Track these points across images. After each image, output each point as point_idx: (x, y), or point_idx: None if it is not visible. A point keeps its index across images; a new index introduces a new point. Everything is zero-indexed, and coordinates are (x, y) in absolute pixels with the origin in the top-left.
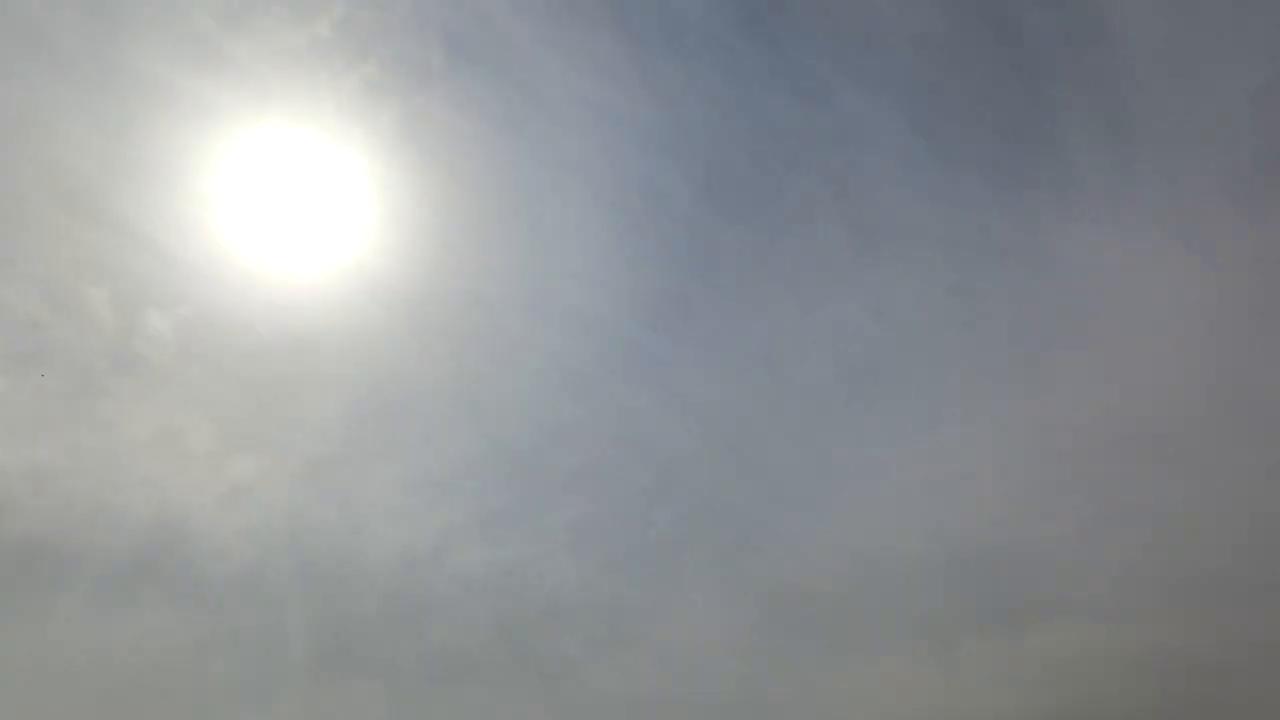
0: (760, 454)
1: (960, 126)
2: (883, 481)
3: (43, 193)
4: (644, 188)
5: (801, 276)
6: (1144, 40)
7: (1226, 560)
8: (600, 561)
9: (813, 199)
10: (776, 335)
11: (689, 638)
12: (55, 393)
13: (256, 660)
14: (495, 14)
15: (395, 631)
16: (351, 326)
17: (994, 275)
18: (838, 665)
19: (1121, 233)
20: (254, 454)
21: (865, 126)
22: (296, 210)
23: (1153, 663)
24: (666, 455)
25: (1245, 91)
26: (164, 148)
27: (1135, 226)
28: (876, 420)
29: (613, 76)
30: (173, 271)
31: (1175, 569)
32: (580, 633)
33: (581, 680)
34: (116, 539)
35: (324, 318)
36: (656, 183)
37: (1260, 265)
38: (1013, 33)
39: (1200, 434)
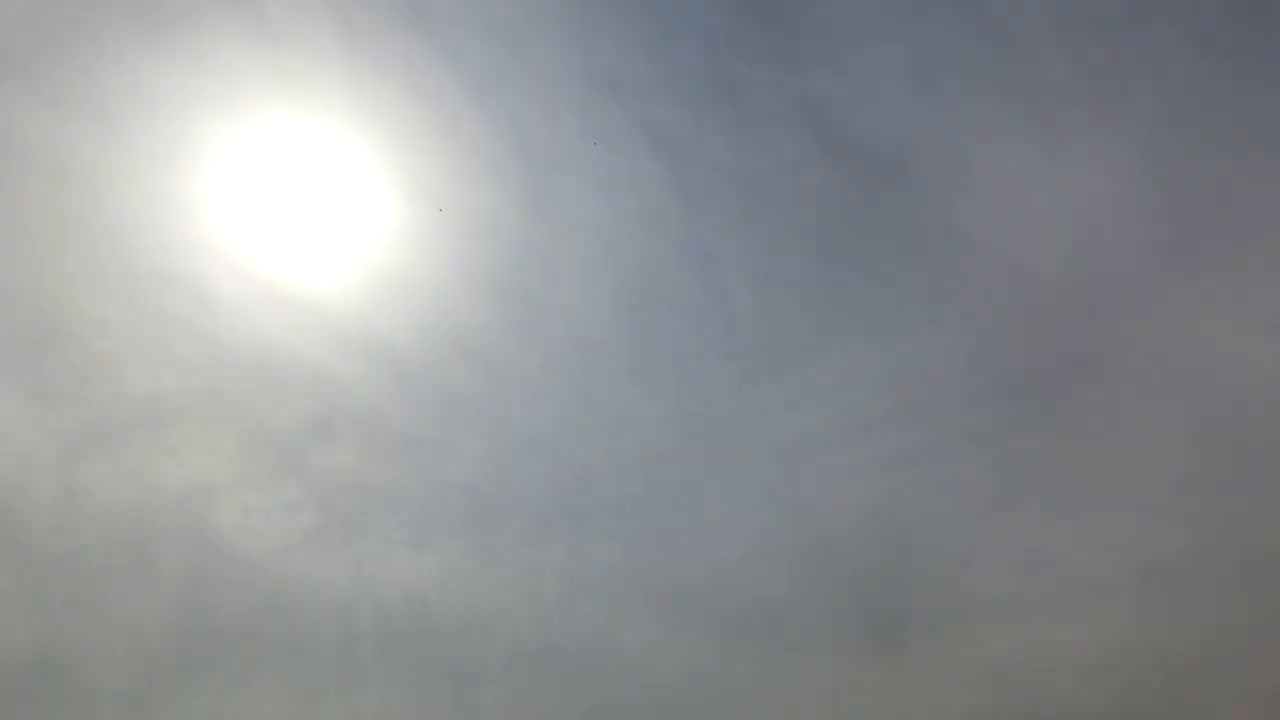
0: (533, 395)
1: None
2: (728, 446)
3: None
4: None
5: (496, 151)
6: None
7: (1187, 553)
8: (405, 536)
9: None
10: (507, 251)
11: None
12: None
13: None
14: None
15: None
16: None
17: (763, 144)
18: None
19: (939, 113)
20: None
21: None
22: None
23: (1118, 660)
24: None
25: None
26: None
27: (956, 104)
28: (676, 363)
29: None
30: None
31: (1133, 562)
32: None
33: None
34: None
35: None
36: None
37: (1139, 167)
38: None
39: (1104, 389)
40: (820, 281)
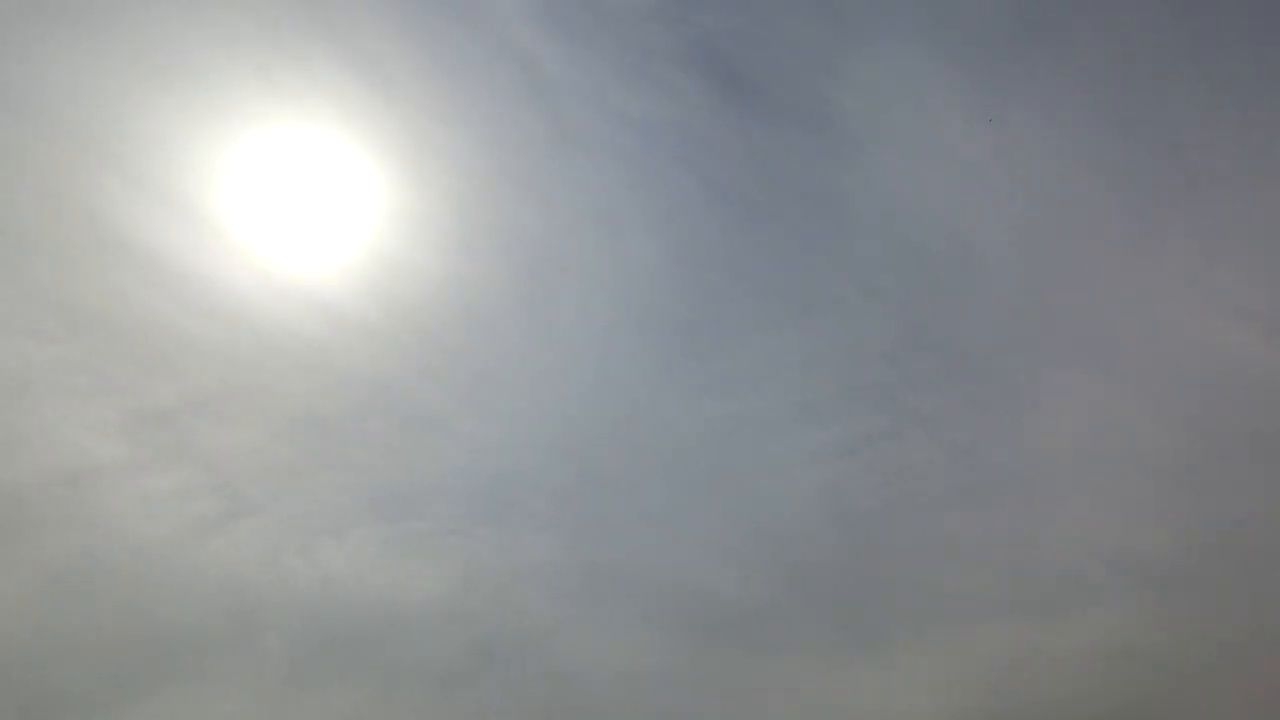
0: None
1: None
2: (660, 431)
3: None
4: None
5: (359, 102)
6: None
7: (1178, 553)
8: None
9: None
10: (383, 217)
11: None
12: None
13: None
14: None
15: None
16: None
17: (657, 86)
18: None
19: (856, 55)
20: None
21: None
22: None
23: (1107, 660)
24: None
25: None
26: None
27: (875, 44)
28: (585, 339)
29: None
30: None
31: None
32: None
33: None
34: None
35: None
36: None
37: (1087, 119)
38: None
39: (1066, 370)
40: (735, 246)
